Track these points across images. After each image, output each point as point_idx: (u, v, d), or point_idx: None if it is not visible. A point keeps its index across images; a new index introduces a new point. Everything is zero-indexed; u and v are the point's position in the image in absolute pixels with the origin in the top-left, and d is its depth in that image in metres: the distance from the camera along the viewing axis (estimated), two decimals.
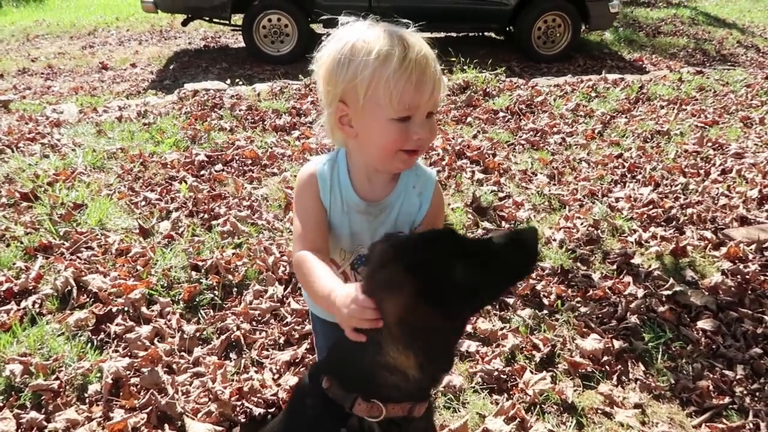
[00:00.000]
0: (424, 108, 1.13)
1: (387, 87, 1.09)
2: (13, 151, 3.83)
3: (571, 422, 1.97)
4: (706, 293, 2.56)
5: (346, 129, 1.20)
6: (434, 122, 1.19)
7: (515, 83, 5.61)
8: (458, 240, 1.06)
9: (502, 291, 1.11)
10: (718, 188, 3.48)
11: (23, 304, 2.37)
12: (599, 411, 2.02)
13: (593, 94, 5.32)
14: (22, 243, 2.76)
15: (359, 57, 1.10)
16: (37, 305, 2.38)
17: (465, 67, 5.78)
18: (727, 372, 2.17)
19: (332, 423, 1.09)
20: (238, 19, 7.05)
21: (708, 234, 3.00)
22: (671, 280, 2.64)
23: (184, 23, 7.47)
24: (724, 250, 2.87)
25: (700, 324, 2.41)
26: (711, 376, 2.15)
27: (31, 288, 2.47)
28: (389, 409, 1.07)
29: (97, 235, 2.87)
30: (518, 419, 1.94)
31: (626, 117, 4.78)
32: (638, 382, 2.13)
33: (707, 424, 1.97)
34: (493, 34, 8.44)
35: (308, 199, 1.28)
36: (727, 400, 2.05)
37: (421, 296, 0.93)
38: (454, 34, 8.34)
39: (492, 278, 1.04)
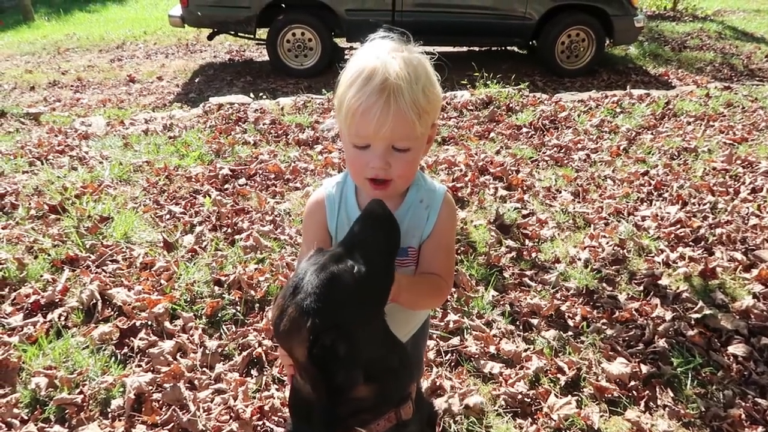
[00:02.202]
0: (381, 139, 1.12)
1: (346, 111, 1.12)
2: (42, 164, 3.90)
3: None
4: (737, 317, 2.50)
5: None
6: (401, 157, 1.16)
7: (539, 98, 5.58)
8: (326, 251, 1.06)
9: (388, 267, 1.09)
10: (748, 207, 3.40)
11: (49, 316, 2.41)
12: None
13: (618, 110, 5.26)
14: (49, 255, 2.81)
15: (343, 76, 1.15)
16: (63, 318, 2.41)
17: (488, 82, 5.77)
18: (759, 400, 2.10)
19: None
20: (262, 33, 7.14)
21: (738, 255, 2.93)
22: (700, 303, 2.58)
23: (210, 37, 7.58)
24: (755, 272, 2.79)
25: (731, 349, 2.34)
26: (743, 404, 2.08)
27: (57, 300, 2.51)
28: (373, 429, 1.06)
29: (123, 248, 2.91)
30: None
31: (652, 133, 4.71)
32: (667, 408, 2.08)
33: None
34: (516, 48, 8.42)
35: (315, 226, 1.34)
36: (760, 430, 1.98)
37: (319, 328, 0.93)
38: (476, 48, 8.34)
39: (371, 262, 1.04)
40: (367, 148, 1.15)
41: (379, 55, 1.12)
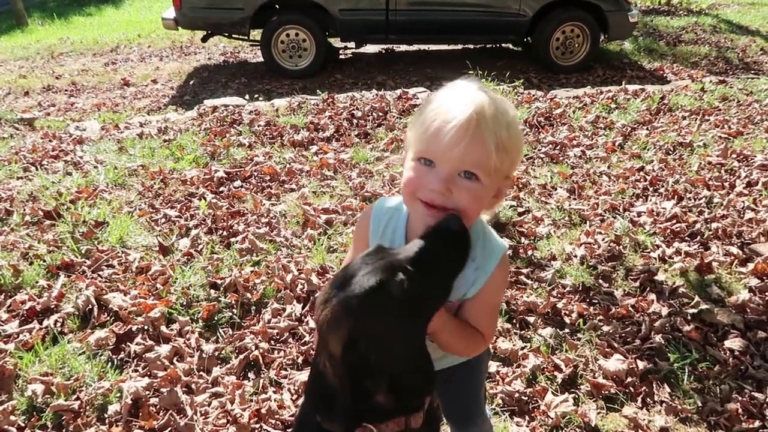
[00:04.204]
0: (449, 159, 1.04)
1: (423, 125, 1.07)
2: (37, 169, 3.90)
3: None
4: (733, 311, 2.50)
5: None
6: (467, 186, 1.05)
7: (534, 95, 5.58)
8: (387, 254, 1.02)
9: (446, 288, 1.05)
10: (743, 201, 3.40)
11: (45, 323, 2.41)
12: None
13: (613, 106, 5.27)
14: (44, 261, 2.80)
15: (423, 107, 1.12)
16: (58, 324, 2.41)
17: (483, 80, 5.76)
18: (756, 394, 2.10)
19: None
20: (256, 34, 7.13)
21: (734, 249, 2.94)
22: (696, 298, 2.58)
23: (204, 39, 7.57)
24: (751, 266, 2.80)
25: (728, 343, 2.34)
26: (740, 398, 2.09)
27: (53, 307, 2.50)
28: (382, 429, 1.05)
29: (118, 252, 2.90)
30: None
31: (647, 129, 4.71)
32: (664, 404, 2.08)
33: None
34: (510, 46, 8.41)
35: (358, 241, 1.30)
36: (757, 423, 1.99)
37: (358, 332, 0.92)
38: (471, 46, 8.34)
39: (428, 280, 1.00)
40: (431, 166, 1.06)
41: (470, 84, 1.10)
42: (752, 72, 7.22)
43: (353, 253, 1.31)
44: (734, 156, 4.07)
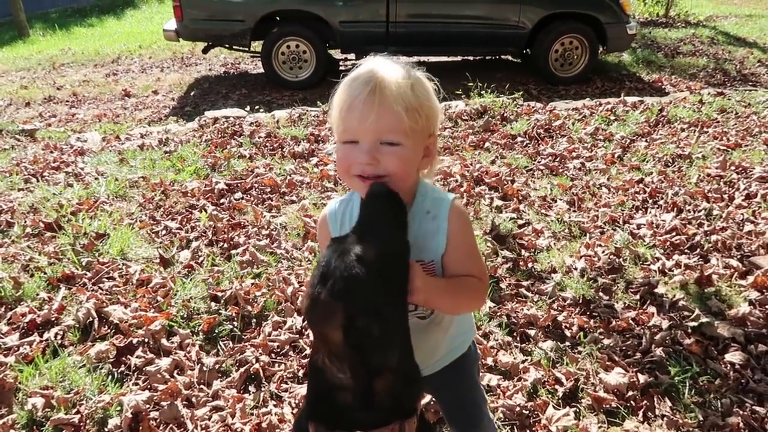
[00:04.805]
0: (367, 132, 1.12)
1: (336, 110, 1.17)
2: (38, 180, 3.91)
3: None
4: (734, 324, 2.50)
5: None
6: (390, 151, 1.14)
7: (533, 107, 5.60)
8: (343, 236, 1.10)
9: (404, 240, 1.13)
10: (743, 214, 3.41)
11: (46, 335, 2.40)
12: None
13: (612, 117, 5.29)
14: (45, 273, 2.80)
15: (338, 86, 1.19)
16: (59, 337, 2.41)
17: (482, 92, 5.80)
18: (757, 408, 2.10)
19: None
20: (257, 45, 7.17)
21: (734, 262, 2.94)
22: (697, 311, 2.58)
23: (205, 51, 7.61)
24: (751, 278, 2.80)
25: (728, 357, 2.34)
26: (741, 412, 2.08)
27: (53, 319, 2.50)
28: None
29: (119, 265, 2.91)
30: None
31: (646, 140, 4.73)
32: (665, 418, 2.07)
33: None
34: (510, 57, 8.46)
35: (324, 242, 1.30)
36: None
37: (352, 310, 0.96)
38: (471, 58, 8.38)
39: (384, 239, 1.07)
40: (355, 144, 1.15)
41: (371, 61, 1.17)
42: (750, 84, 7.27)
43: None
44: (733, 168, 4.09)
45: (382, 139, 1.13)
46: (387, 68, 1.15)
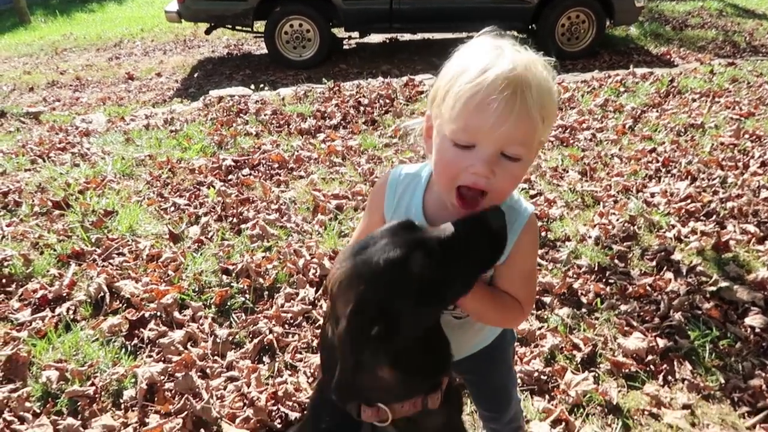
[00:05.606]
0: (491, 139, 0.94)
1: (456, 98, 0.95)
2: (44, 161, 3.88)
3: (618, 424, 1.89)
4: (753, 289, 2.46)
5: (428, 142, 1.09)
6: (510, 168, 0.97)
7: None
8: (417, 231, 0.97)
9: (467, 281, 0.99)
10: (758, 181, 3.35)
11: (58, 310, 2.39)
12: (646, 412, 1.94)
13: (622, 89, 5.21)
14: (55, 250, 2.78)
15: (448, 66, 1.01)
16: (71, 312, 2.39)
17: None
18: None
19: None
20: (260, 25, 7.09)
21: (751, 227, 2.89)
22: (715, 276, 2.54)
23: (208, 32, 7.54)
24: None
25: (748, 321, 2.31)
26: (763, 374, 2.05)
27: (65, 295, 2.49)
28: (397, 410, 1.02)
29: (128, 241, 2.88)
30: (563, 421, 1.87)
31: (657, 111, 4.66)
32: (686, 382, 2.05)
33: (762, 425, 1.88)
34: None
35: (373, 209, 1.24)
36: None
37: (366, 301, 0.89)
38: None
39: (451, 268, 0.94)
40: (470, 148, 0.96)
41: (500, 45, 0.97)
42: (760, 55, 7.14)
43: (366, 220, 1.26)
44: (747, 136, 4.02)
45: (505, 150, 0.95)
46: (530, 63, 0.96)
